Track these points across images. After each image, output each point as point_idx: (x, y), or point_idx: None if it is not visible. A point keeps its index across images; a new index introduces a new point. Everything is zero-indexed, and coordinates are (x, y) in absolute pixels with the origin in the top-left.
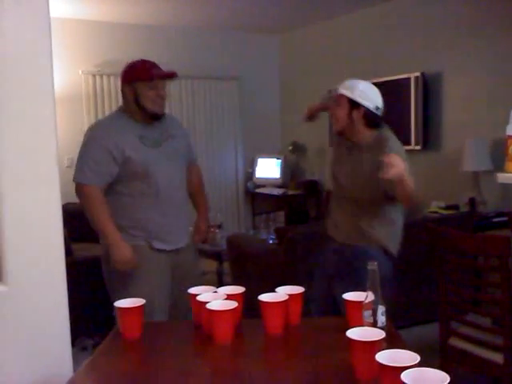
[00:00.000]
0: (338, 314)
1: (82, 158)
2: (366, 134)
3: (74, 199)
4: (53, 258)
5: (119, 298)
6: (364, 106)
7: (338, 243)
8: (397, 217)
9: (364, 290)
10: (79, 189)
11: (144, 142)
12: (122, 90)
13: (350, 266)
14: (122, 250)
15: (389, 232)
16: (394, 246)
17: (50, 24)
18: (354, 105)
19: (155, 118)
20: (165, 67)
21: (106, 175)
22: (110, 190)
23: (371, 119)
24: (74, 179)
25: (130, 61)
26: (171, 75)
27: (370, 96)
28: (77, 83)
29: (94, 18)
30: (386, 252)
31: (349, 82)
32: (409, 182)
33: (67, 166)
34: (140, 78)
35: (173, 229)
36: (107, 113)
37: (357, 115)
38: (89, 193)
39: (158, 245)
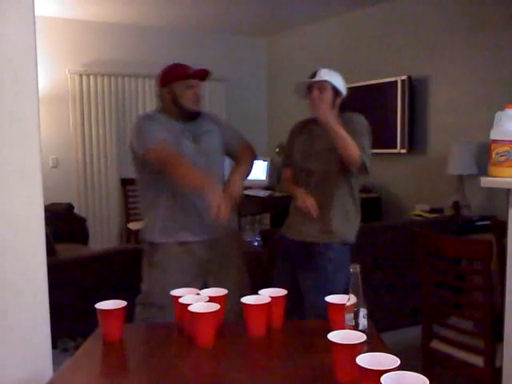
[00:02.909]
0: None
1: (139, 134)
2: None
3: (59, 199)
4: (34, 259)
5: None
6: (342, 94)
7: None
8: (350, 208)
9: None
10: (149, 156)
11: (186, 135)
12: (159, 93)
13: (314, 262)
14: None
15: (346, 224)
16: (351, 236)
17: (34, 22)
18: (336, 92)
19: (193, 116)
20: (151, 67)
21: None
22: (150, 179)
23: (344, 105)
24: (141, 151)
25: (163, 65)
26: (205, 73)
27: (343, 85)
28: (63, 83)
29: (81, 17)
30: (345, 243)
31: (328, 71)
32: (341, 132)
33: (52, 166)
34: (177, 79)
35: (201, 221)
36: (93, 113)
37: (337, 102)
38: (159, 150)
39: (184, 237)
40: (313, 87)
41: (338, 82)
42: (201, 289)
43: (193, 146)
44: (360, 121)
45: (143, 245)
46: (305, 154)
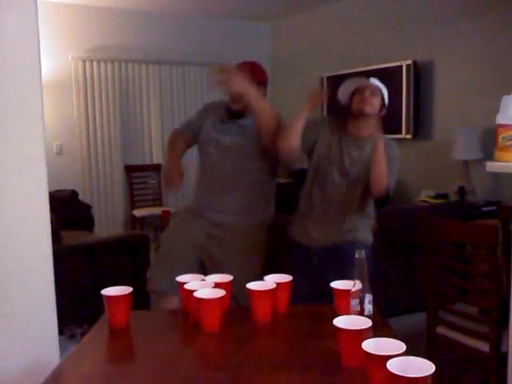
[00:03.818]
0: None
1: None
2: (367, 132)
3: (63, 186)
4: (40, 246)
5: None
6: (385, 109)
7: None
8: (371, 210)
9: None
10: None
11: (216, 125)
12: None
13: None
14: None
15: (368, 225)
16: (370, 238)
17: (37, 8)
18: (383, 104)
19: (233, 115)
20: (154, 53)
21: (189, 130)
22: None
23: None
24: None
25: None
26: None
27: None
28: (66, 69)
29: (84, 2)
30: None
31: (379, 81)
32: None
33: (56, 153)
34: None
35: (215, 206)
36: (97, 99)
37: (380, 114)
38: (171, 134)
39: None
40: (363, 89)
41: (386, 96)
42: (199, 266)
43: (217, 136)
44: (394, 146)
45: None
46: (336, 167)
